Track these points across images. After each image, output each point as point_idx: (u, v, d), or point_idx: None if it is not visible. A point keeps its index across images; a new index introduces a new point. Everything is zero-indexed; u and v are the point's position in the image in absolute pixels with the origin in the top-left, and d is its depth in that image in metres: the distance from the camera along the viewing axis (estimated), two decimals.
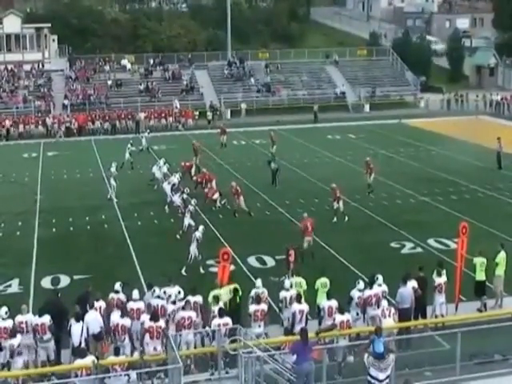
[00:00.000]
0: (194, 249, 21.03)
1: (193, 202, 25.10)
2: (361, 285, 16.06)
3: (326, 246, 23.27)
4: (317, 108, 52.88)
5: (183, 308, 14.94)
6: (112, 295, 15.76)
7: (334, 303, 15.30)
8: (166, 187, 28.41)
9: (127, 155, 35.41)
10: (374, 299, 15.88)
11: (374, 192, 30.06)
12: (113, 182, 29.82)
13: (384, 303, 15.43)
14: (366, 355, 11.89)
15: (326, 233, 24.41)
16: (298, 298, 15.48)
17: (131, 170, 34.92)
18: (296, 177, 33.81)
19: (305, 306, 15.36)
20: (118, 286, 15.92)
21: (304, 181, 32.89)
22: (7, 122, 47.73)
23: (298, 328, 14.80)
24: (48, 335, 14.55)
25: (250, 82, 59.25)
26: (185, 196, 26.94)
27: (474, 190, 30.79)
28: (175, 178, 28.92)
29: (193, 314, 14.81)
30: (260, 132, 46.10)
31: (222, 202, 28.33)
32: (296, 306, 15.31)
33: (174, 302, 15.45)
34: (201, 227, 21.72)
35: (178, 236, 23.88)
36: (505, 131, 46.57)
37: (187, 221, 23.44)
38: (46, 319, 14.54)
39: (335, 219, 25.72)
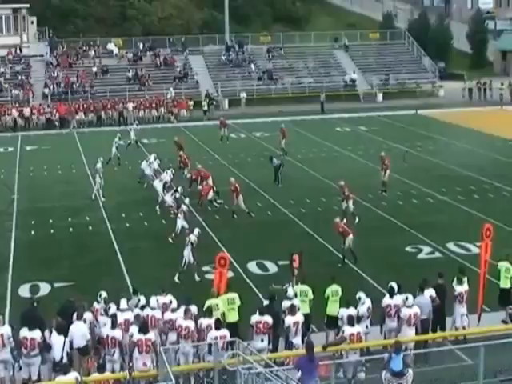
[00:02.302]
0: (188, 253, 21.00)
1: (186, 201, 25.04)
2: (362, 298, 16.00)
3: (334, 250, 23.28)
4: (324, 97, 52.98)
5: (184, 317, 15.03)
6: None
7: (353, 311, 15.32)
8: (158, 185, 28.42)
9: (114, 150, 35.39)
10: (393, 310, 15.86)
11: (388, 191, 30.05)
12: (98, 179, 29.84)
13: (411, 310, 15.44)
14: (383, 372, 11.87)
15: (335, 236, 24.41)
16: (292, 310, 15.46)
17: (118, 166, 34.95)
18: (301, 174, 33.81)
19: (299, 317, 15.37)
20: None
21: (310, 178, 32.89)
22: None
23: (294, 341, 14.88)
24: (36, 351, 14.56)
25: (250, 68, 59.31)
26: (177, 195, 26.99)
27: (499, 189, 30.78)
28: (167, 176, 28.92)
29: (191, 324, 14.87)
30: (261, 124, 46.14)
31: (219, 202, 28.34)
32: (290, 319, 15.26)
33: (172, 311, 15.47)
34: (196, 230, 21.74)
35: (170, 239, 23.90)
36: None
37: (180, 222, 23.50)
38: (37, 335, 14.52)
39: (344, 220, 25.72)
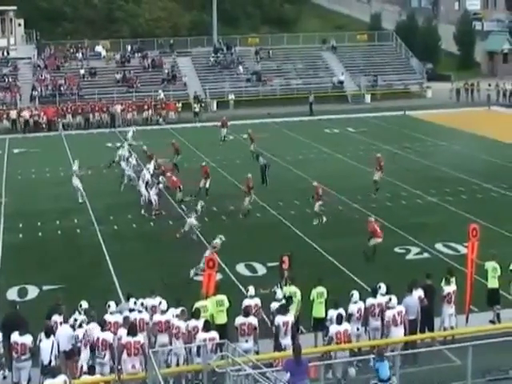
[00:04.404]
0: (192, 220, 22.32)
1: (200, 203, 25.49)
2: (355, 296, 16.06)
3: (323, 251, 23.34)
4: (312, 99, 53.04)
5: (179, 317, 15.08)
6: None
7: (343, 312, 15.36)
8: (141, 186, 28.40)
9: (178, 157, 35.11)
10: (377, 309, 15.96)
11: (378, 192, 30.13)
12: (77, 182, 29.56)
13: (398, 307, 15.52)
14: (371, 382, 11.88)
15: (324, 237, 24.51)
16: (282, 309, 15.53)
17: (107, 168, 34.85)
18: (290, 175, 33.86)
19: (290, 318, 15.41)
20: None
21: (299, 179, 32.90)
22: None
23: (283, 342, 14.91)
24: (27, 355, 14.54)
25: (238, 70, 59.35)
26: (161, 186, 27.72)
27: (487, 189, 30.94)
28: (147, 173, 28.87)
29: (183, 324, 14.92)
30: (250, 126, 46.02)
31: (187, 199, 28.62)
32: (280, 318, 15.32)
33: (162, 312, 15.45)
34: (220, 236, 21.71)
35: (177, 235, 24.34)
36: None
37: (192, 221, 24.17)
38: (28, 340, 14.52)
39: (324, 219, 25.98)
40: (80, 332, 14.61)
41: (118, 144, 37.99)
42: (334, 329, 14.77)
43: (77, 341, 14.55)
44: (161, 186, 28.09)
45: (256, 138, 38.01)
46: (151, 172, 29.32)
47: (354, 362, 14.61)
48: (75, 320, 14.94)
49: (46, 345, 14.44)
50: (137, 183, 29.19)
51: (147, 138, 43.36)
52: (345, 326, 14.92)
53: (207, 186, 30.07)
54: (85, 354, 14.27)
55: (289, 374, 12.66)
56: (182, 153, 35.30)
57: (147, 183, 28.39)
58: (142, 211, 27.77)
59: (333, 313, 15.60)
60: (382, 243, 23.44)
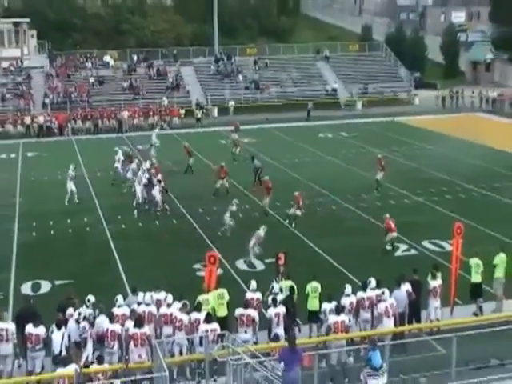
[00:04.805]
0: (252, 245, 22.20)
1: (234, 201, 25.66)
2: (348, 289, 16.14)
3: (317, 249, 23.38)
4: (311, 105, 53.30)
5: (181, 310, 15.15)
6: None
7: (334, 307, 15.43)
8: (137, 187, 28.50)
9: (153, 152, 35.90)
10: (367, 302, 16.03)
11: (367, 193, 30.19)
12: (71, 185, 29.55)
13: (388, 303, 15.59)
14: (364, 369, 11.89)
15: (318, 235, 24.55)
16: (274, 302, 15.60)
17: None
18: (287, 177, 33.84)
19: (281, 309, 15.47)
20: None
21: (295, 181, 32.89)
22: None
23: (276, 331, 15.00)
24: (40, 345, 14.63)
25: (237, 78, 59.38)
26: (162, 184, 27.95)
27: (470, 190, 31.00)
28: (144, 176, 28.87)
29: (185, 317, 14.96)
30: (249, 131, 46.12)
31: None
32: (272, 310, 15.44)
33: (168, 305, 15.47)
34: (263, 226, 22.60)
35: (219, 233, 24.67)
36: (502, 129, 47.04)
37: (227, 220, 24.60)
38: (41, 331, 14.61)
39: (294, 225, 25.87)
40: (85, 325, 14.63)
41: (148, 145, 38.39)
42: (332, 319, 14.86)
43: (82, 334, 14.60)
44: (162, 184, 28.14)
45: (241, 143, 38.02)
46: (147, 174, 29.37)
47: (348, 351, 14.66)
48: (79, 314, 14.95)
49: (56, 336, 14.51)
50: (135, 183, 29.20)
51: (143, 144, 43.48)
52: (342, 316, 15.02)
53: (218, 186, 30.26)
54: (89, 346, 14.28)
55: (283, 363, 12.70)
56: (184, 156, 35.30)
57: (145, 185, 28.49)
58: (135, 212, 27.88)
59: (326, 306, 15.68)
60: (371, 241, 23.59)
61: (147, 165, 30.77)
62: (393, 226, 23.03)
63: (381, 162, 30.91)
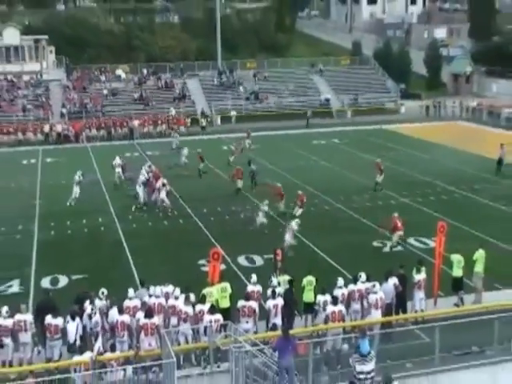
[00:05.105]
0: (288, 238, 22.10)
1: (265, 202, 25.62)
2: (340, 282, 16.14)
3: (313, 246, 23.38)
4: (310, 114, 53.39)
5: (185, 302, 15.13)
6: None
7: (328, 298, 15.47)
8: (139, 190, 28.63)
9: (183, 159, 36.09)
10: (357, 294, 16.05)
11: (357, 194, 30.19)
12: (76, 189, 29.62)
13: (376, 295, 15.58)
14: (353, 355, 11.89)
15: (313, 233, 24.51)
16: (273, 294, 15.60)
17: (169, 169, 34.88)
18: (285, 180, 33.62)
19: (279, 301, 15.47)
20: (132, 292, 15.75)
21: (292, 184, 32.79)
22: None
23: (274, 321, 15.00)
24: (58, 335, 14.65)
25: (239, 90, 59.35)
26: (168, 188, 27.87)
27: (451, 191, 31.00)
28: (142, 177, 29.16)
29: (190, 309, 14.96)
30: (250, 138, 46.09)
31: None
32: (270, 302, 15.46)
33: (176, 298, 15.46)
34: (296, 220, 22.75)
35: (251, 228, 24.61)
36: (480, 135, 47.03)
37: (260, 220, 24.66)
38: (59, 322, 14.65)
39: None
40: (97, 320, 14.60)
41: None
42: (330, 309, 14.89)
43: (93, 328, 14.56)
44: (168, 188, 28.13)
45: (238, 152, 38.01)
46: (146, 176, 29.58)
47: (343, 339, 14.65)
48: (92, 309, 14.91)
49: (71, 327, 14.53)
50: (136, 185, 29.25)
51: (162, 148, 43.49)
52: (339, 307, 15.04)
53: (239, 186, 30.51)
54: (100, 339, 14.14)
55: (277, 351, 12.67)
56: (192, 161, 35.37)
57: (143, 183, 28.68)
58: (133, 208, 28.07)
59: (321, 298, 15.68)
60: (361, 238, 23.59)
61: (146, 168, 30.92)
62: (399, 224, 22.86)
63: (380, 166, 31.00)
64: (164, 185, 28.11)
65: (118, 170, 32.88)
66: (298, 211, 25.97)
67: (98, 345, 13.39)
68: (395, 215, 23.24)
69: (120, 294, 15.70)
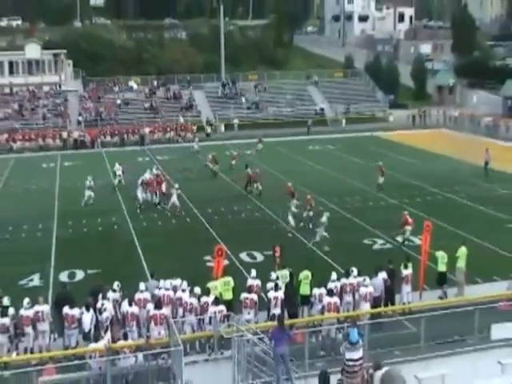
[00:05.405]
0: (321, 231, 22.62)
1: (294, 203, 25.51)
2: (333, 276, 16.14)
3: (308, 243, 23.35)
4: (311, 122, 53.51)
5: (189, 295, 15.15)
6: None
7: (323, 291, 15.47)
8: (138, 192, 28.62)
9: (210, 165, 35.81)
10: (349, 287, 16.05)
11: (349, 196, 30.17)
12: (89, 192, 29.67)
13: (367, 289, 15.57)
14: (344, 343, 11.89)
15: (308, 232, 24.50)
16: (275, 287, 15.62)
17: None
18: (282, 183, 33.75)
19: (280, 294, 15.47)
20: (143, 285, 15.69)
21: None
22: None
23: (274, 311, 15.03)
24: (75, 324, 14.69)
25: (241, 100, 59.33)
26: (179, 191, 27.87)
27: (435, 193, 30.99)
28: (141, 179, 29.20)
29: (195, 300, 14.98)
30: (250, 144, 46.15)
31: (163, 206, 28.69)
32: (272, 293, 15.49)
33: (183, 291, 15.45)
34: (326, 213, 23.08)
35: (289, 235, 24.31)
36: (462, 142, 47.03)
37: (292, 220, 24.67)
38: (76, 312, 14.70)
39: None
40: (108, 315, 14.55)
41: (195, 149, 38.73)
42: (326, 300, 14.92)
43: (104, 322, 14.48)
44: (179, 191, 28.12)
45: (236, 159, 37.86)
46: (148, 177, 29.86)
47: (337, 328, 14.65)
48: (102, 305, 14.88)
49: (86, 317, 14.55)
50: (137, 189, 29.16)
51: (171, 153, 43.51)
52: (334, 298, 15.05)
53: (260, 188, 30.50)
54: (108, 332, 13.96)
55: (273, 341, 12.65)
56: (197, 165, 35.35)
57: (141, 183, 28.82)
58: (138, 209, 28.06)
59: (316, 291, 15.67)
60: (353, 236, 23.58)
61: (154, 171, 30.97)
62: (409, 220, 22.88)
63: (381, 169, 31.05)
64: (177, 189, 28.10)
65: (119, 173, 32.87)
66: (309, 214, 25.54)
67: (107, 337, 13.32)
68: (405, 213, 23.37)
69: (131, 288, 15.72)
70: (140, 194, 28.52)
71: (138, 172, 31.80)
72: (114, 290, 15.54)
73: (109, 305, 14.95)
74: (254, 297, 15.33)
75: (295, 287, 16.47)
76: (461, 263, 18.39)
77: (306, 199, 26.03)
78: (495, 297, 16.13)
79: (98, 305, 14.94)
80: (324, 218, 22.76)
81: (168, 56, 69.81)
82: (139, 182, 29.13)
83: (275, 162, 39.30)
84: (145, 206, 28.53)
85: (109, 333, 13.78)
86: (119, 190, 32.24)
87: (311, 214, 25.47)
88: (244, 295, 15.28)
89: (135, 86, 59.57)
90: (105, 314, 14.64)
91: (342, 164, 39.27)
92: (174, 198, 27.75)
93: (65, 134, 48.49)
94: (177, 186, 28.57)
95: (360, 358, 11.56)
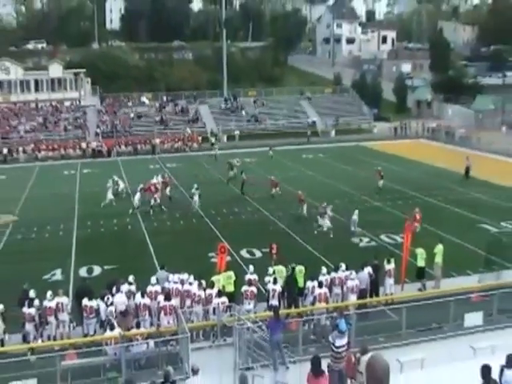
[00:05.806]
0: (327, 223, 23.52)
1: (327, 205, 25.17)
2: (324, 270, 16.14)
3: (301, 241, 23.35)
4: (310, 133, 53.46)
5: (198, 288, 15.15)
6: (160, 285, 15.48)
7: (315, 283, 15.47)
8: (136, 197, 28.57)
9: (231, 173, 35.41)
10: (337, 281, 16.06)
11: (339, 199, 30.14)
12: (109, 194, 29.79)
13: (354, 282, 15.58)
14: (333, 332, 11.86)
15: (301, 231, 24.50)
16: (274, 281, 15.62)
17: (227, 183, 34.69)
18: (280, 187, 33.75)
19: (277, 287, 15.46)
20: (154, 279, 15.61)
21: (285, 190, 32.74)
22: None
23: (272, 302, 15.03)
24: (93, 314, 14.68)
25: (241, 113, 59.38)
26: (198, 193, 28.03)
27: (415, 196, 30.97)
28: (141, 185, 29.28)
29: (202, 292, 14.98)
30: (250, 153, 46.20)
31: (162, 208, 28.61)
32: (270, 286, 15.49)
33: (190, 284, 15.41)
34: (356, 211, 23.55)
35: (315, 232, 24.21)
36: (439, 151, 47.11)
37: (326, 222, 24.47)
38: (94, 303, 14.70)
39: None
40: (112, 309, 14.41)
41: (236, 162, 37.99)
42: (317, 291, 14.94)
43: (108, 315, 14.27)
44: (199, 191, 28.21)
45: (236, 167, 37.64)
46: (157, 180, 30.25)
47: (327, 317, 14.63)
48: (108, 298, 14.76)
49: (102, 307, 14.52)
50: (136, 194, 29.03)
51: (178, 162, 43.49)
52: (324, 289, 15.07)
53: (273, 192, 30.42)
54: (117, 328, 13.62)
55: (269, 329, 12.64)
56: (202, 171, 35.26)
57: (140, 189, 28.80)
58: (137, 211, 28.01)
59: (310, 284, 15.66)
60: (342, 235, 23.56)
61: (159, 178, 30.94)
62: (418, 217, 22.98)
63: (380, 173, 31.08)
64: (197, 188, 28.36)
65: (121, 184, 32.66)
66: (304, 209, 26.03)
67: (115, 333, 13.14)
68: (417, 210, 23.46)
69: (144, 281, 15.71)
70: (137, 199, 28.38)
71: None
72: (130, 283, 15.53)
73: (121, 297, 14.89)
74: (254, 289, 15.33)
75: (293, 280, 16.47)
76: (438, 259, 18.41)
77: (298, 195, 26.35)
78: (468, 289, 16.19)
79: (105, 298, 14.82)
80: (355, 216, 23.30)
81: (176, 74, 69.93)
82: (138, 188, 29.07)
83: (271, 168, 39.21)
84: (140, 209, 28.37)
85: (117, 330, 13.24)
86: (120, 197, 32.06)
87: (305, 207, 25.58)
88: (244, 288, 15.29)
89: (147, 102, 59.62)
90: (111, 308, 14.46)
91: (331, 170, 39.28)
92: (196, 198, 28.02)
93: (84, 145, 48.54)
94: (196, 186, 28.73)
95: (346, 344, 11.57)
